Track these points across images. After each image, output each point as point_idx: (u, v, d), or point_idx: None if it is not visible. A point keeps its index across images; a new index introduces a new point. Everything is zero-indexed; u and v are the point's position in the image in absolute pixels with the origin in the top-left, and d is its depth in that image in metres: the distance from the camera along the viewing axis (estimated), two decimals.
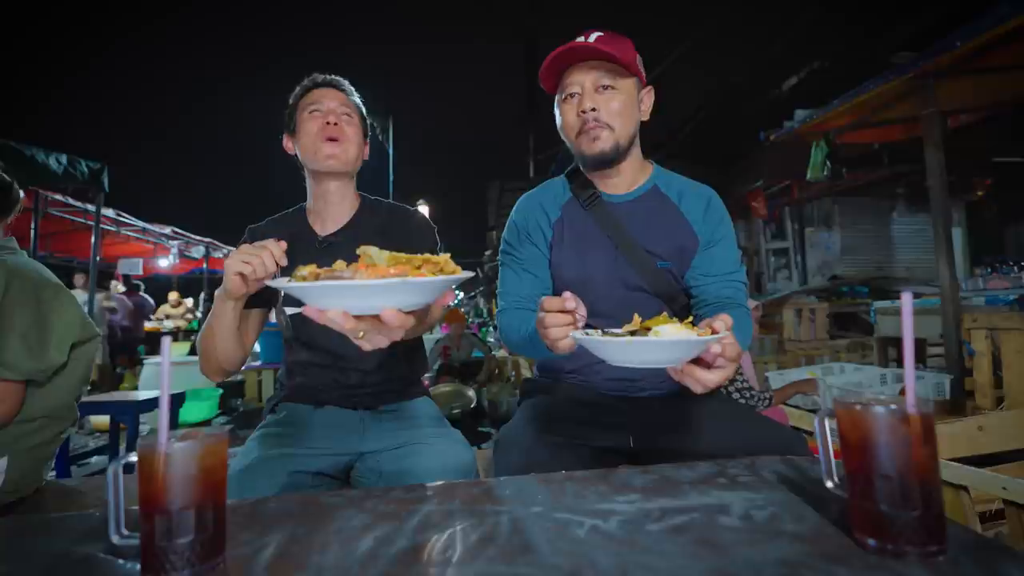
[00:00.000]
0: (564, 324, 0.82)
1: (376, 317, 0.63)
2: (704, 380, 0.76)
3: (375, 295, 0.60)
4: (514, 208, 1.29)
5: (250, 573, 0.50)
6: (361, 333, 0.66)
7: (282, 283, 0.64)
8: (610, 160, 1.15)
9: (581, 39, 1.11)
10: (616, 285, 1.18)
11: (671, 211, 1.19)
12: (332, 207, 1.26)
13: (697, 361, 0.76)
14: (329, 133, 1.19)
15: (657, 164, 1.27)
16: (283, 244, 0.93)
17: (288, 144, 1.27)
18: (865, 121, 4.21)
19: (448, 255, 0.66)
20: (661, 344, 0.69)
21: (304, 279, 0.62)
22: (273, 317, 1.28)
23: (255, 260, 0.91)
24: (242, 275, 0.92)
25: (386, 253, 0.64)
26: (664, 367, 0.76)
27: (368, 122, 1.35)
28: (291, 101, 1.27)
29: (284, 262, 0.92)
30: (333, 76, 1.28)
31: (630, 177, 1.21)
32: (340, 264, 0.64)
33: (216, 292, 1.01)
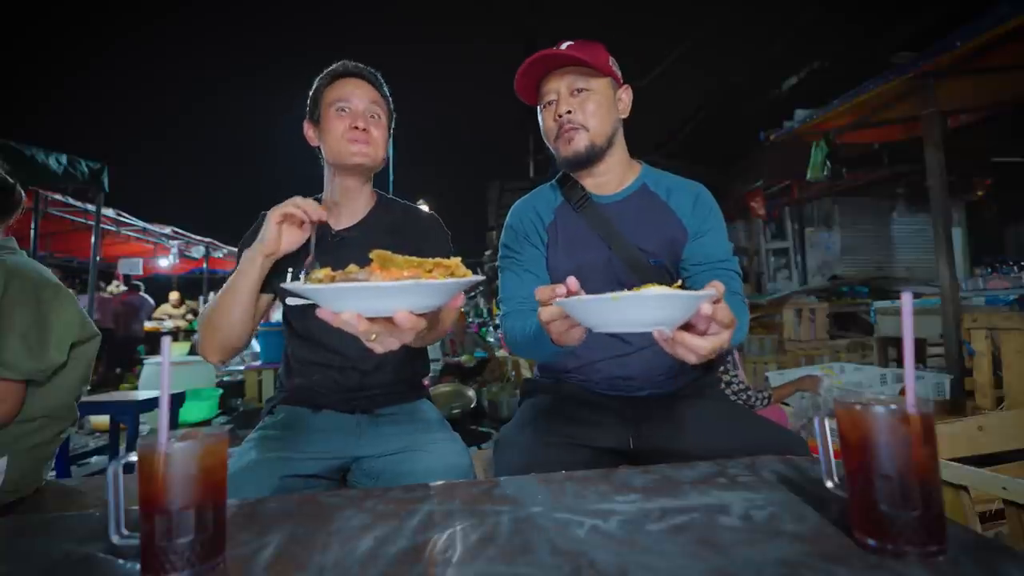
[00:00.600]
0: (562, 316, 0.81)
1: (389, 320, 0.64)
2: (697, 347, 0.72)
3: (388, 297, 0.61)
4: (509, 213, 1.31)
5: (250, 573, 0.50)
6: (373, 336, 0.67)
7: (296, 285, 0.63)
8: (586, 159, 1.17)
9: (554, 48, 1.14)
10: (611, 285, 1.18)
11: (660, 207, 1.20)
12: (349, 203, 1.24)
13: (689, 328, 0.72)
14: (356, 137, 1.16)
15: (648, 164, 1.28)
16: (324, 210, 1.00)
17: (310, 133, 1.23)
18: (865, 121, 4.21)
19: (459, 259, 0.67)
20: (649, 300, 0.65)
21: (320, 281, 0.62)
22: (274, 316, 1.28)
23: (295, 208, 0.97)
24: (281, 223, 0.99)
25: (399, 256, 0.64)
26: (653, 330, 0.72)
27: (394, 116, 1.30)
28: (316, 85, 1.21)
29: (324, 217, 1.01)
30: (364, 67, 1.22)
31: (618, 177, 1.22)
32: (354, 267, 0.64)
33: (245, 252, 1.05)
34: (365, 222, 1.25)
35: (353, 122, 1.16)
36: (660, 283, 1.16)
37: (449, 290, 0.63)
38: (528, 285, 1.22)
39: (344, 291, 0.60)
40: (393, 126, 1.29)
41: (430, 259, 0.66)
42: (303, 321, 1.20)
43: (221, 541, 0.52)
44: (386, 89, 1.25)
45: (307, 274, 1.07)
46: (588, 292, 1.16)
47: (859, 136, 4.64)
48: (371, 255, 0.65)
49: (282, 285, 0.71)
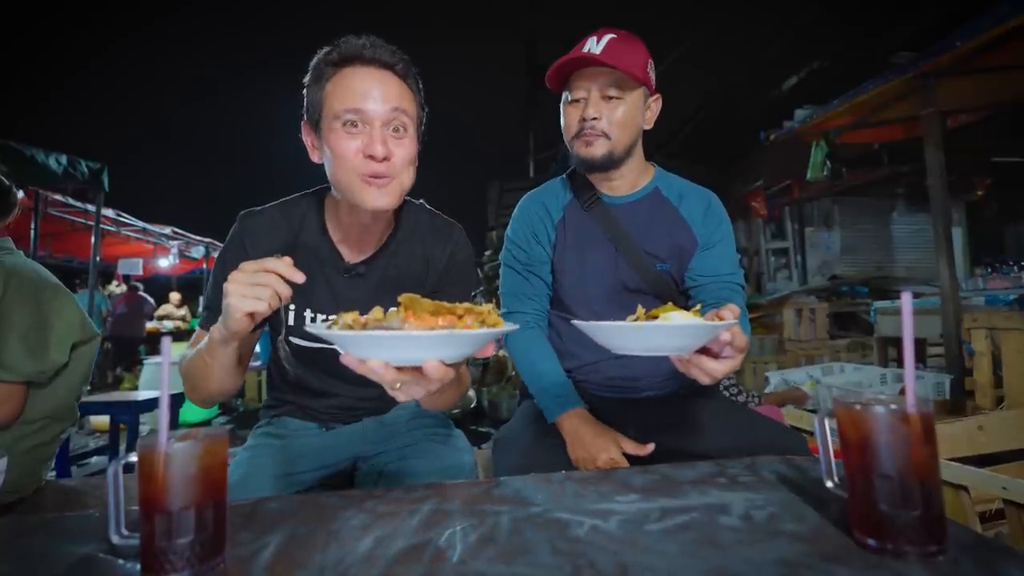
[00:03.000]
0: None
1: (416, 368, 0.61)
2: (712, 370, 0.75)
3: (421, 347, 0.58)
4: (517, 208, 1.29)
5: (250, 573, 0.50)
6: (399, 385, 0.63)
7: (322, 331, 0.60)
8: (601, 166, 1.15)
9: (593, 39, 1.10)
10: (616, 287, 1.18)
11: (671, 213, 1.20)
12: (366, 227, 0.98)
13: (704, 352, 0.75)
14: (375, 171, 0.85)
15: (659, 167, 1.27)
16: (287, 260, 0.73)
17: (309, 140, 0.93)
18: (865, 121, 4.21)
19: (492, 305, 0.65)
20: (672, 329, 0.68)
21: (349, 327, 0.60)
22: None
23: (265, 294, 0.70)
24: (251, 314, 0.72)
25: (427, 301, 0.61)
26: (670, 355, 0.75)
27: (426, 112, 0.97)
28: (315, 70, 0.89)
29: (300, 278, 0.72)
30: (384, 46, 0.88)
31: (631, 180, 1.21)
32: (378, 311, 0.61)
33: (215, 332, 0.79)
34: (386, 251, 1.02)
35: (369, 147, 0.84)
36: (665, 290, 1.17)
37: (480, 340, 0.61)
38: (533, 286, 1.22)
39: (377, 339, 0.57)
40: (424, 124, 0.97)
41: (460, 304, 0.62)
42: (303, 359, 1.06)
43: (221, 541, 0.52)
44: (414, 76, 0.92)
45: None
46: (593, 293, 1.18)
47: (859, 136, 4.64)
48: (400, 299, 0.61)
49: (308, 328, 0.66)
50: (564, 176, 1.29)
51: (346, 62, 0.87)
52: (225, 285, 0.71)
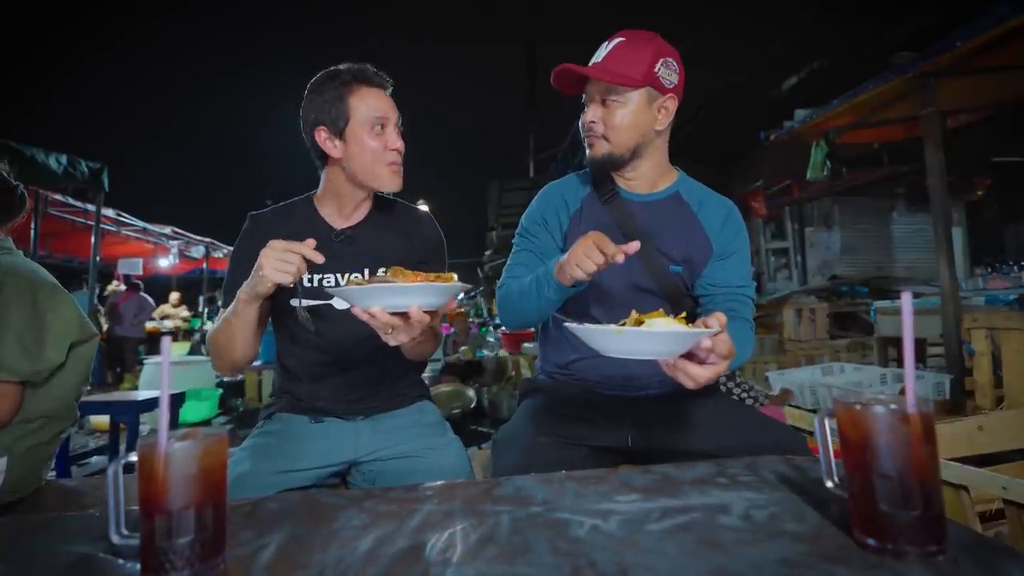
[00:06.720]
0: (597, 262, 0.89)
1: (404, 317, 0.83)
2: (695, 375, 0.78)
3: (406, 294, 0.80)
4: (537, 195, 1.30)
5: (250, 573, 0.50)
6: (390, 330, 0.84)
7: (338, 289, 0.83)
8: (604, 166, 1.17)
9: (604, 44, 1.13)
10: (626, 284, 1.18)
11: (689, 218, 1.20)
12: (355, 203, 1.21)
13: (689, 357, 0.77)
14: (395, 160, 1.14)
15: (683, 171, 1.26)
16: (311, 242, 0.93)
17: (329, 145, 1.12)
18: (865, 121, 4.20)
19: (455, 274, 0.87)
20: (652, 335, 0.71)
21: (358, 284, 0.83)
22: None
23: (292, 269, 0.91)
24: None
25: (410, 271, 0.85)
26: (655, 359, 0.78)
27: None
28: (335, 89, 1.11)
29: (320, 259, 0.92)
30: (379, 72, 1.16)
31: (649, 179, 1.21)
32: (377, 277, 0.86)
33: (241, 294, 0.99)
34: (368, 220, 1.24)
35: (393, 144, 1.13)
36: (675, 292, 1.17)
37: (451, 291, 0.84)
38: (527, 267, 1.23)
39: (375, 290, 0.80)
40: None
41: (432, 274, 0.86)
42: (319, 323, 1.16)
43: (221, 541, 0.52)
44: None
45: (297, 310, 1.07)
46: (604, 289, 1.18)
47: (859, 136, 4.63)
48: (389, 271, 0.86)
49: (329, 290, 0.89)
50: (587, 170, 1.29)
51: (360, 82, 1.12)
52: (259, 259, 0.92)
